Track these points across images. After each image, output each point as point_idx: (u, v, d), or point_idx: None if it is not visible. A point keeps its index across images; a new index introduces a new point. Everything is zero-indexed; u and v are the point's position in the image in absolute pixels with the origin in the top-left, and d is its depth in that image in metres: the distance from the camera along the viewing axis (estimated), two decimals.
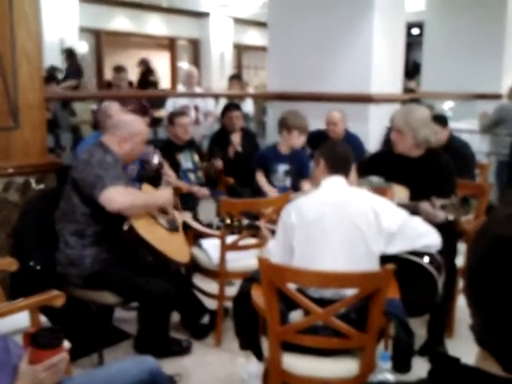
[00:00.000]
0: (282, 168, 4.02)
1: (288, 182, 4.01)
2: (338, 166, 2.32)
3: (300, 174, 4.01)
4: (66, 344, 1.93)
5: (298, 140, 4.00)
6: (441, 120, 3.73)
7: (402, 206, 2.39)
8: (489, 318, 0.69)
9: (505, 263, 0.65)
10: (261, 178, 4.10)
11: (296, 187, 3.95)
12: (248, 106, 6.47)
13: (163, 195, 2.86)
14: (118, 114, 3.64)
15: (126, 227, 2.55)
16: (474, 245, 0.72)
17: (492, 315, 0.68)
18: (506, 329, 0.66)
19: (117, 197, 2.49)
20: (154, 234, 2.64)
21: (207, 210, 4.03)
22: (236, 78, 7.26)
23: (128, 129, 2.72)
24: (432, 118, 3.04)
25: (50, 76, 6.58)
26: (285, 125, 4.01)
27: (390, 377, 1.92)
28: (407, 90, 7.06)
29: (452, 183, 2.86)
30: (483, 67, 6.67)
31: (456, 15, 7.05)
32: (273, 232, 2.49)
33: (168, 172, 3.36)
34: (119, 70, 5.84)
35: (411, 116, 2.87)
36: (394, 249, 2.21)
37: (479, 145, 5.34)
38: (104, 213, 2.54)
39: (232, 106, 4.86)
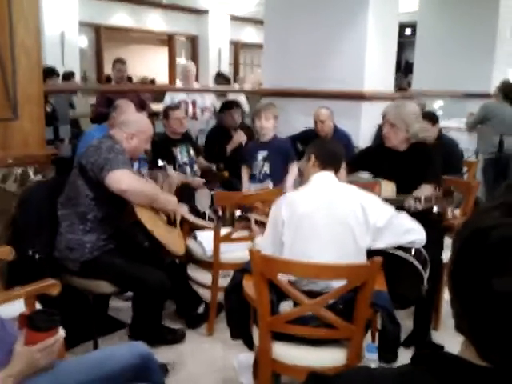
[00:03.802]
0: (261, 155, 4.11)
1: (266, 167, 4.09)
2: (327, 162, 2.37)
3: (283, 160, 4.08)
4: (61, 332, 1.97)
5: (267, 122, 4.09)
6: (431, 117, 3.77)
7: (388, 200, 2.45)
8: (464, 304, 0.72)
9: (478, 252, 0.68)
10: (244, 175, 4.19)
11: (276, 174, 4.02)
12: (243, 103, 6.50)
13: (170, 201, 2.90)
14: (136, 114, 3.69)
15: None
16: (456, 237, 0.75)
17: (467, 302, 0.71)
18: (479, 315, 0.69)
19: (124, 178, 2.57)
20: (153, 223, 2.70)
21: (203, 199, 4.08)
22: (221, 76, 7.23)
23: (135, 126, 2.85)
24: (422, 115, 3.11)
25: (51, 70, 6.59)
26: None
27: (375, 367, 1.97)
28: (400, 89, 7.12)
29: (436, 170, 2.90)
30: (474, 67, 6.72)
31: (448, 16, 7.10)
32: (264, 224, 2.54)
33: (172, 174, 3.35)
34: (121, 61, 5.86)
35: (404, 110, 2.93)
36: (380, 244, 2.26)
37: (467, 143, 5.40)
38: (106, 198, 2.61)
39: (232, 103, 4.85)
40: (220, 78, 7.27)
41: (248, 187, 4.09)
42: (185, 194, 3.71)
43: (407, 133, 2.90)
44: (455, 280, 0.73)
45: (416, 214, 2.49)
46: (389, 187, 2.85)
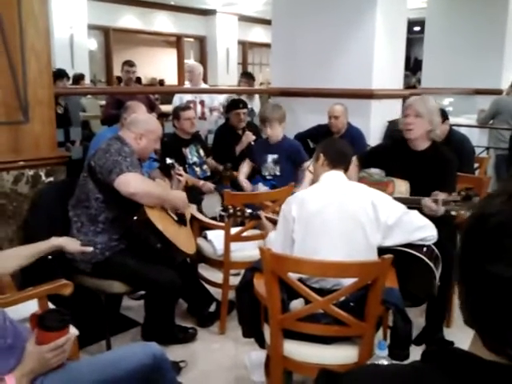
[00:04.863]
0: (271, 158, 4.12)
1: (277, 170, 4.10)
2: (337, 161, 2.38)
3: (295, 161, 4.09)
4: (74, 331, 1.98)
5: (273, 131, 4.08)
6: (441, 114, 3.74)
7: (403, 200, 2.44)
8: (465, 291, 0.72)
9: (477, 238, 0.69)
10: (242, 169, 4.21)
11: (286, 175, 4.01)
12: (255, 102, 6.49)
13: (178, 196, 2.93)
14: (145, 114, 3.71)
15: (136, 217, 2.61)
16: (464, 225, 0.75)
17: (466, 288, 0.71)
18: (476, 301, 0.69)
19: (133, 181, 2.58)
20: (164, 223, 2.71)
21: (212, 203, 4.12)
22: (246, 75, 7.21)
23: (144, 126, 2.86)
24: None
25: (61, 72, 6.65)
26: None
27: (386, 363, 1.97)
28: (409, 86, 7.10)
29: (454, 179, 2.89)
30: (483, 63, 6.69)
31: (457, 12, 7.06)
32: (275, 222, 2.54)
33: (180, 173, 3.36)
34: (130, 63, 5.91)
35: (428, 102, 2.95)
36: (391, 241, 2.26)
37: (478, 139, 5.39)
38: (116, 200, 2.62)
39: (239, 102, 4.82)
40: (245, 75, 7.23)
41: (243, 179, 4.15)
42: (193, 196, 3.73)
43: (430, 124, 2.90)
44: (460, 268, 0.73)
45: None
46: (403, 187, 2.83)
